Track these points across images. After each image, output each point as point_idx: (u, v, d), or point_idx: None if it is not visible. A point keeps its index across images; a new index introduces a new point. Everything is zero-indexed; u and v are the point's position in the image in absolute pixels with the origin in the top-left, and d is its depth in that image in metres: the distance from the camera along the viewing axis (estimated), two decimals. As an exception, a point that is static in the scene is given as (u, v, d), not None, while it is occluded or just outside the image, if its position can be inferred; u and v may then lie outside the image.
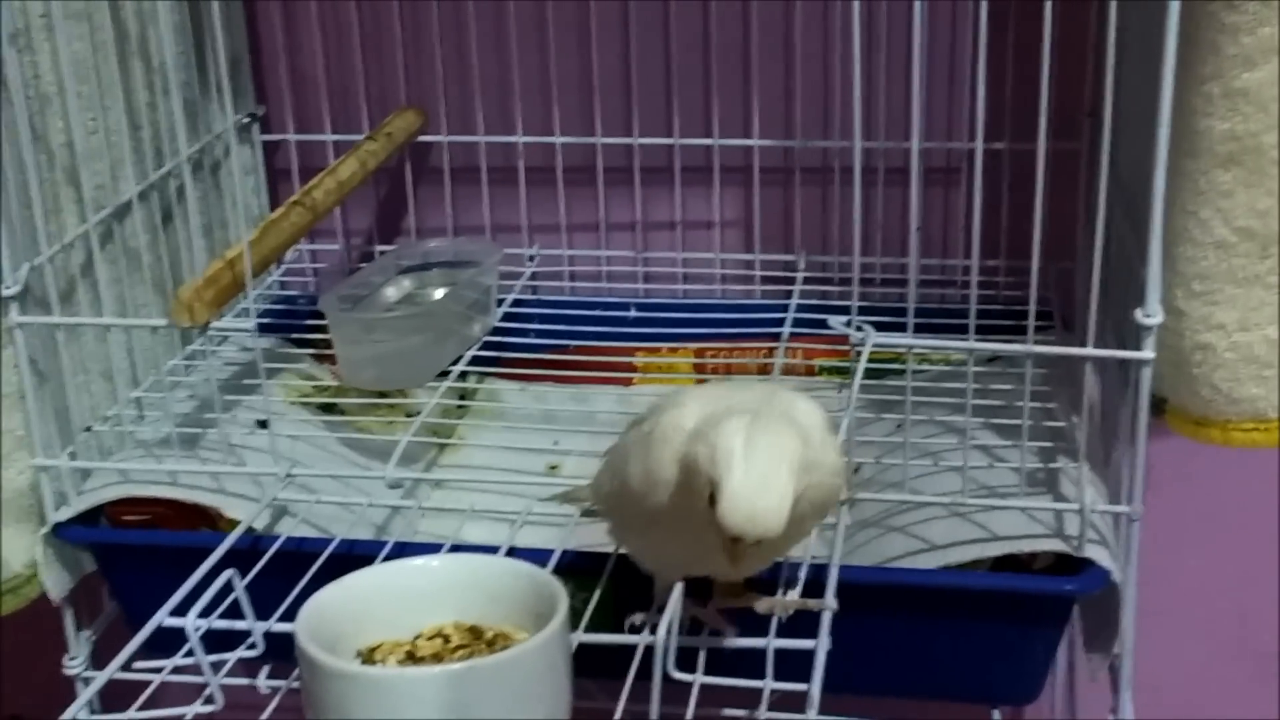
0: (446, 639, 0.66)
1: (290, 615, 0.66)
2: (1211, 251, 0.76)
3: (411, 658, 0.66)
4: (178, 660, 0.71)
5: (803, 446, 0.62)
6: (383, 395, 1.02)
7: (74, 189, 0.90)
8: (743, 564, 0.63)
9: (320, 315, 1.00)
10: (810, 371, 1.07)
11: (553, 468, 1.00)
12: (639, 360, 1.08)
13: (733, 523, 0.60)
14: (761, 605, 0.72)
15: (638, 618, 0.72)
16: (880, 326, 0.79)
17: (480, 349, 1.01)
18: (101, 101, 0.91)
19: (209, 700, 0.69)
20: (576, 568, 0.77)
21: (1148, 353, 0.74)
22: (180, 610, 0.71)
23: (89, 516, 0.89)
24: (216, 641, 0.72)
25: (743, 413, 0.62)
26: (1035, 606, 0.79)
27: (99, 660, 0.90)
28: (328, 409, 1.02)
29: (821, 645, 0.67)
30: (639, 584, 0.74)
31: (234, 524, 0.84)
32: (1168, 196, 0.72)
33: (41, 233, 0.86)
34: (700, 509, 0.62)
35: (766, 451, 0.61)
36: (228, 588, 0.71)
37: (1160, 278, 0.73)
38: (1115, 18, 0.71)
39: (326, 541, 0.82)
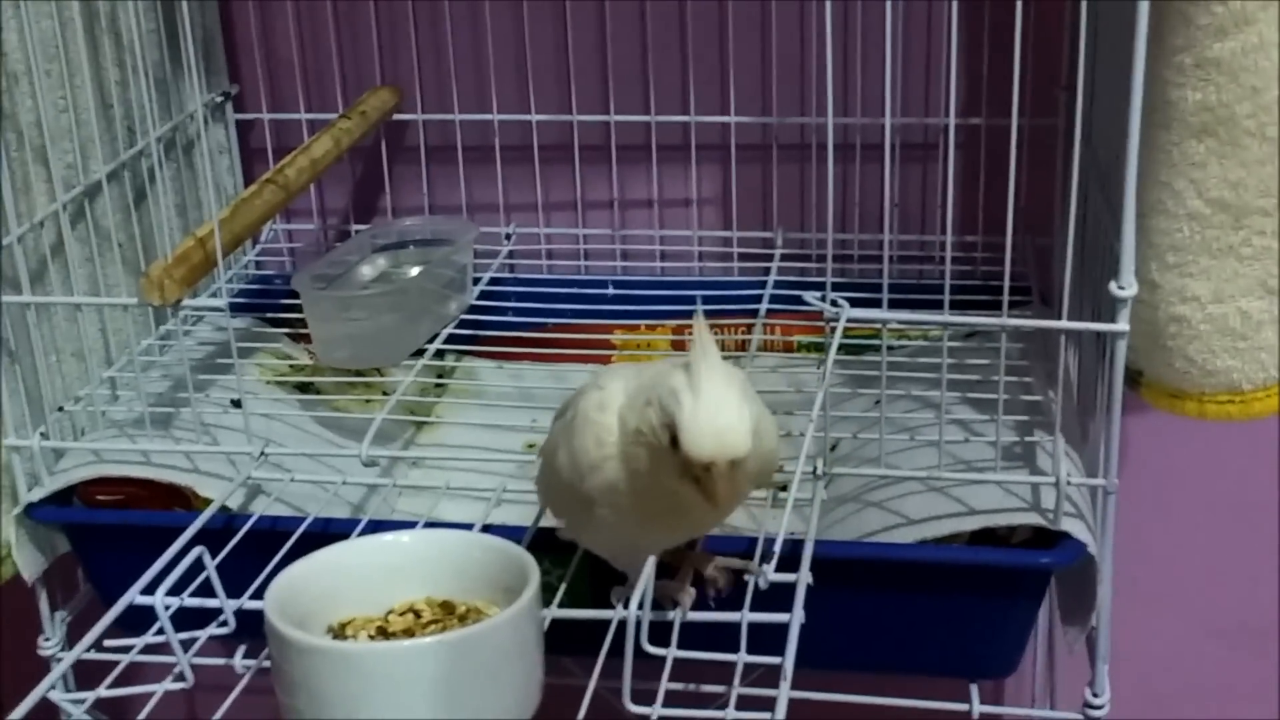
0: (418, 614, 0.66)
1: (264, 593, 0.66)
2: (1185, 223, 0.76)
3: (383, 633, 0.65)
4: (149, 639, 0.70)
5: (744, 378, 0.63)
6: (359, 374, 1.02)
7: (44, 168, 0.89)
8: (720, 499, 0.62)
9: (295, 294, 1.00)
10: (789, 348, 1.07)
11: (531, 446, 0.99)
12: (617, 338, 1.08)
13: (699, 447, 0.60)
14: (713, 565, 0.73)
15: (620, 592, 0.72)
16: (857, 302, 0.79)
17: (457, 328, 1.01)
18: (71, 80, 0.91)
19: (179, 678, 0.68)
20: (551, 544, 0.77)
21: (1122, 325, 0.74)
22: (151, 589, 0.71)
23: (62, 497, 0.88)
24: (191, 620, 0.71)
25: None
26: (1012, 580, 0.79)
27: (74, 641, 0.89)
28: (303, 388, 1.02)
29: (795, 618, 0.66)
30: (614, 560, 0.74)
31: (208, 503, 0.84)
32: (1141, 168, 0.72)
33: (11, 211, 0.85)
34: (664, 469, 0.62)
35: (711, 380, 0.61)
36: (200, 566, 0.70)
37: (1134, 250, 0.73)
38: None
39: (300, 520, 0.82)
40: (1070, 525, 0.78)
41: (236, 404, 0.93)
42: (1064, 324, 0.77)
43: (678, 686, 0.69)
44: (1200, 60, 0.72)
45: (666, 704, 0.65)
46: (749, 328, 1.05)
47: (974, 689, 0.84)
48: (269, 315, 1.08)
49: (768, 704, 0.64)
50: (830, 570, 0.72)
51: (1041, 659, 1.12)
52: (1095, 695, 0.81)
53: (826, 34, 0.74)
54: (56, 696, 0.70)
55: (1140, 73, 0.68)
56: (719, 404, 0.61)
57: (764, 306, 1.02)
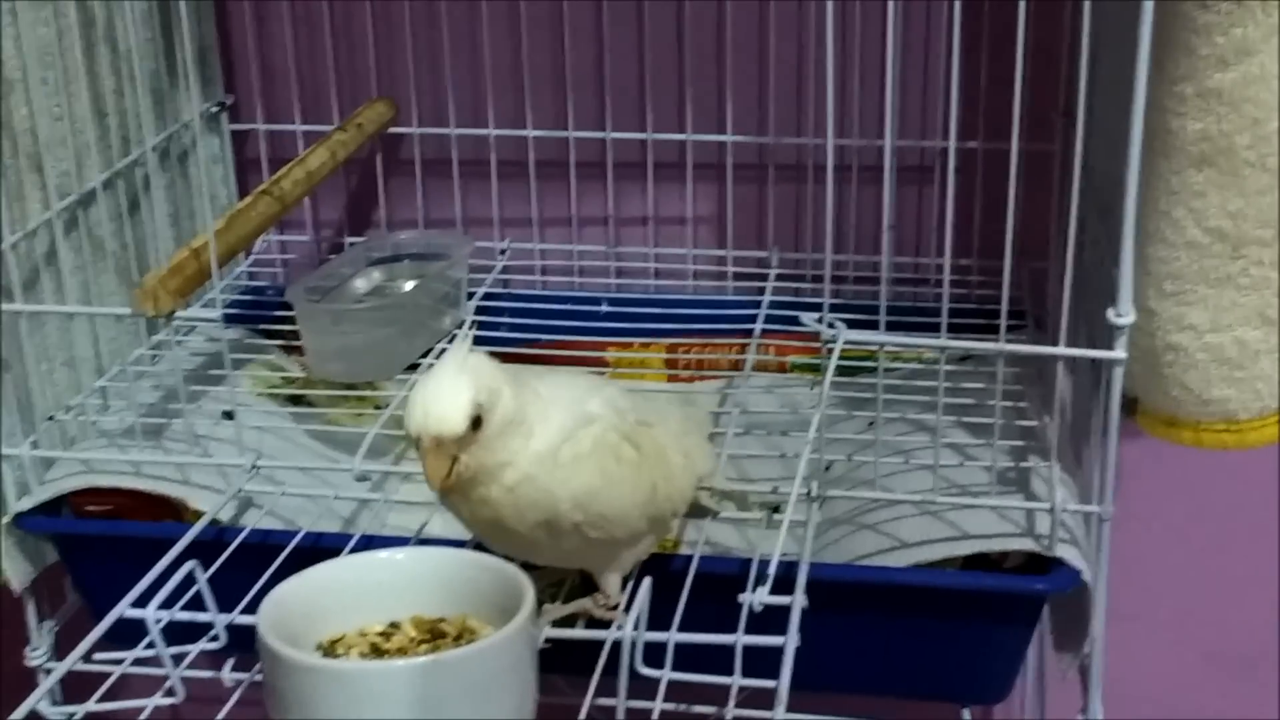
0: (412, 633, 0.66)
1: (255, 608, 0.66)
2: (1183, 252, 0.76)
3: (376, 651, 0.65)
4: (139, 652, 0.70)
5: (478, 367, 0.66)
6: (351, 387, 1.02)
7: (38, 175, 0.89)
8: (430, 474, 0.65)
9: (289, 306, 0.99)
10: (782, 368, 1.07)
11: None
12: (611, 355, 1.08)
13: (408, 419, 0.65)
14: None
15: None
16: (852, 324, 0.79)
17: (450, 342, 1.00)
18: (66, 88, 0.90)
19: (170, 693, 0.68)
20: (545, 562, 0.76)
21: (1119, 352, 0.74)
22: (142, 602, 0.70)
23: (51, 506, 0.88)
24: (180, 633, 0.71)
25: None
26: (1005, 605, 0.79)
27: (61, 652, 0.89)
28: (295, 401, 1.01)
29: (790, 641, 0.66)
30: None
31: (199, 515, 0.83)
32: (1140, 196, 0.72)
33: (5, 219, 0.85)
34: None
35: (442, 369, 0.66)
36: (191, 579, 0.70)
37: (1132, 277, 0.73)
38: (1089, 18, 0.71)
39: (292, 534, 0.81)
40: (1064, 551, 0.78)
41: (228, 415, 0.92)
42: (1061, 350, 0.77)
43: (670, 707, 0.68)
44: (1201, 90, 0.72)
45: (660, 725, 0.65)
46: (743, 347, 1.05)
47: (966, 714, 0.83)
48: (261, 327, 1.08)
49: (762, 726, 0.64)
50: (823, 593, 0.72)
51: (1031, 683, 1.12)
52: (1088, 722, 0.81)
53: (827, 57, 0.74)
54: (44, 709, 0.69)
55: (1141, 101, 0.68)
56: (437, 387, 0.65)
57: (759, 326, 1.02)
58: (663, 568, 0.77)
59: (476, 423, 0.65)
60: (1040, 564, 0.78)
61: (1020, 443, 0.85)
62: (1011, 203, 0.74)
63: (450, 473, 0.65)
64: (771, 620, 0.68)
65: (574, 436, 0.67)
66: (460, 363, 0.66)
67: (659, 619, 0.68)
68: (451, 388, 0.64)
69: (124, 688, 0.71)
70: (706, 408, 1.00)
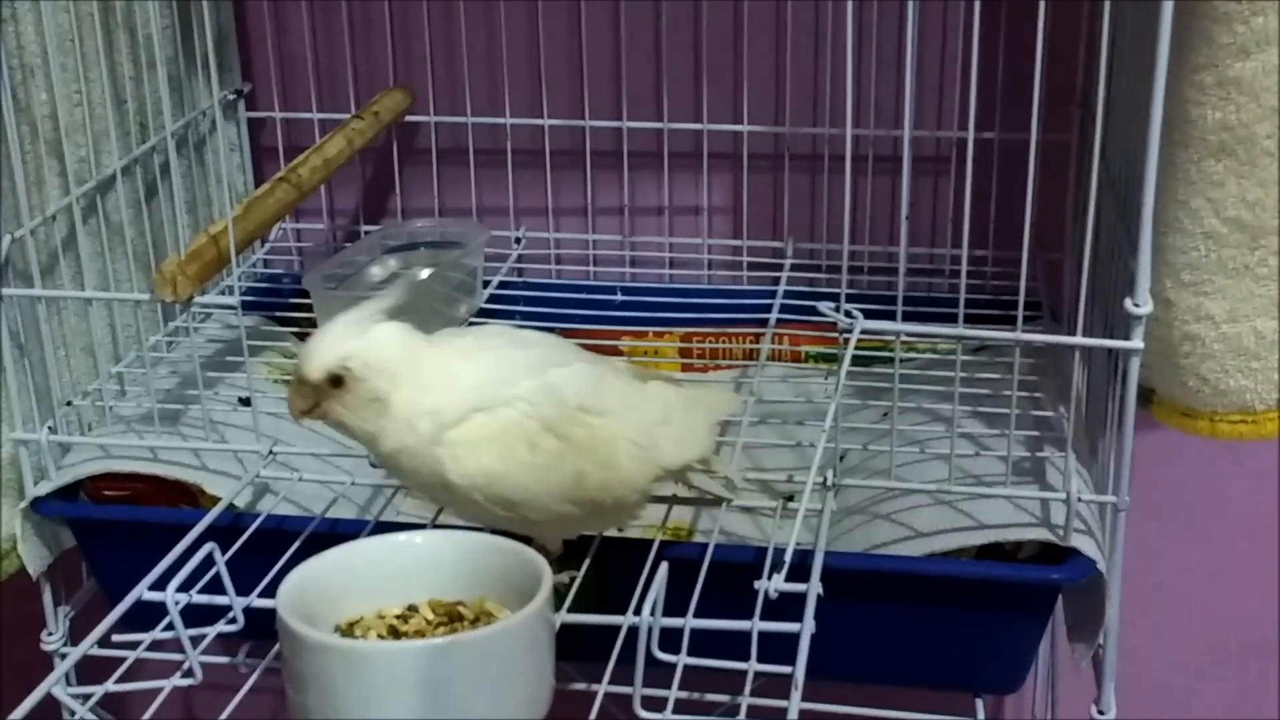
0: (429, 615, 0.66)
1: (270, 593, 0.66)
2: (1202, 242, 0.76)
3: (394, 633, 0.65)
4: (157, 634, 0.70)
5: (380, 339, 0.69)
6: (366, 375, 1.01)
7: (57, 161, 0.89)
8: (290, 404, 0.70)
9: (305, 294, 1.00)
10: (797, 358, 1.07)
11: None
12: (625, 345, 1.08)
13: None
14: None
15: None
16: (868, 314, 0.79)
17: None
18: (85, 74, 0.91)
19: (188, 674, 0.68)
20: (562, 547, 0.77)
21: (1136, 342, 0.74)
22: (159, 585, 0.70)
23: (68, 492, 0.88)
24: (196, 618, 0.71)
25: None
26: (1020, 595, 0.79)
27: (77, 637, 0.89)
28: (311, 388, 1.01)
29: (806, 629, 0.66)
30: (623, 565, 0.74)
31: (215, 501, 0.83)
32: (1159, 186, 0.72)
33: (24, 205, 0.85)
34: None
35: (345, 316, 0.70)
36: (208, 564, 0.70)
37: (1150, 267, 0.73)
38: (1109, 7, 0.70)
39: (308, 520, 0.82)
40: (1080, 542, 0.78)
41: (245, 402, 0.92)
42: (1079, 340, 0.77)
43: (684, 694, 0.69)
44: (1221, 79, 0.72)
45: (673, 711, 0.65)
46: (758, 337, 1.05)
47: (979, 703, 0.83)
48: (277, 314, 1.08)
49: (776, 713, 0.64)
50: (838, 582, 0.72)
51: (1043, 673, 1.12)
52: (1101, 712, 0.81)
53: (847, 46, 0.74)
54: (59, 692, 0.69)
55: (1161, 91, 0.68)
56: (327, 332, 0.69)
57: (774, 316, 1.02)
58: (678, 555, 0.77)
59: (338, 380, 0.68)
60: (1054, 554, 0.78)
61: (1035, 433, 0.85)
62: (1030, 193, 0.74)
63: (309, 410, 0.69)
64: (787, 608, 0.69)
65: (473, 419, 0.69)
66: (362, 320, 0.69)
67: (674, 605, 0.69)
68: (332, 340, 0.68)
69: (136, 671, 0.71)
70: (724, 393, 0.99)
